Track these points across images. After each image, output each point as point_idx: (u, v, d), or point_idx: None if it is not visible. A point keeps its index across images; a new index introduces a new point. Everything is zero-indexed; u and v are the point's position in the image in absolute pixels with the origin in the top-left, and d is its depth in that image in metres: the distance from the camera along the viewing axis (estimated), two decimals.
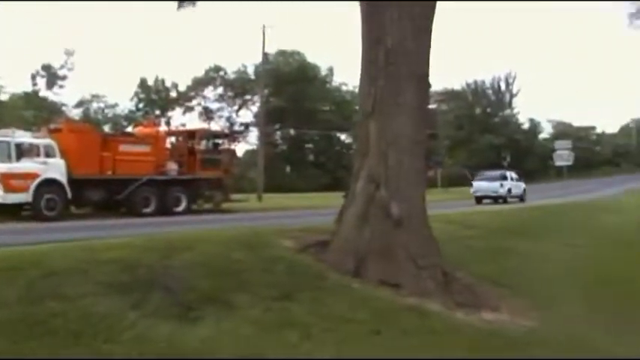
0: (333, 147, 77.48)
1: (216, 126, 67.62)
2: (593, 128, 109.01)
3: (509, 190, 37.19)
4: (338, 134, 76.86)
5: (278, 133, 76.95)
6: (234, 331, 6.25)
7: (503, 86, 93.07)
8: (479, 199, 36.75)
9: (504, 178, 37.92)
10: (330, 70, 79.21)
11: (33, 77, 60.62)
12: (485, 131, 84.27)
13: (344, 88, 78.43)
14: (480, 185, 37.86)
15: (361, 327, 6.90)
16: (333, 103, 77.18)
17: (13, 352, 5.07)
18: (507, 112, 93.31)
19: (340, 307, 7.39)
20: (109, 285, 6.62)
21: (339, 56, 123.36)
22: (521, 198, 37.46)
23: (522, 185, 38.69)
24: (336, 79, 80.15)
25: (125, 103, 75.85)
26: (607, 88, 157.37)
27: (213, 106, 76.73)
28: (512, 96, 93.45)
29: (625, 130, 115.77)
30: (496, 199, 36.31)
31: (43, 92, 60.76)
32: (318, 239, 10.03)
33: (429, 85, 10.03)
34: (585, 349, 7.16)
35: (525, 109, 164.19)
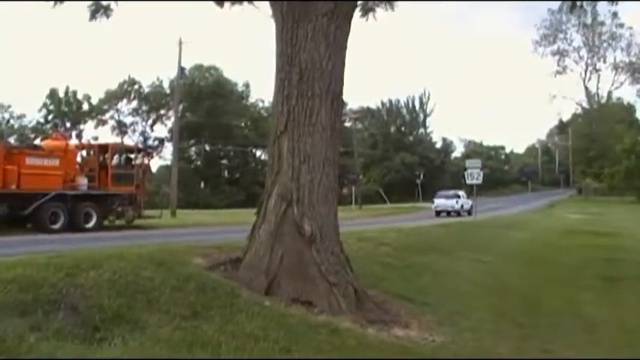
0: (249, 163, 77.37)
1: (129, 140, 66.30)
2: (503, 148, 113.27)
3: (462, 206, 44.63)
4: (254, 150, 76.77)
5: (193, 148, 76.16)
6: (143, 351, 6.09)
7: (417, 105, 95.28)
8: (438, 213, 44.28)
9: (458, 196, 46.36)
10: (247, 86, 79.32)
11: None
12: (399, 150, 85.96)
13: (260, 104, 78.55)
14: (440, 202, 46.17)
15: (272, 345, 6.86)
16: (249, 120, 77.13)
17: None
18: (421, 131, 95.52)
19: (251, 326, 7.33)
20: (6, 306, 6.32)
21: (256, 73, 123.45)
22: (469, 212, 42.47)
23: (470, 202, 43.86)
24: (253, 96, 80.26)
25: (33, 115, 73.26)
26: (515, 110, 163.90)
27: (127, 120, 75.38)
28: (425, 115, 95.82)
29: (531, 150, 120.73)
30: (450, 212, 43.94)
31: None
32: (231, 257, 9.96)
33: (342, 104, 10.15)
34: None
35: (439, 129, 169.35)
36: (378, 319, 8.64)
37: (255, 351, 6.60)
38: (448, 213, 43.92)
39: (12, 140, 49.20)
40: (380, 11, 12.70)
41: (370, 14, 12.53)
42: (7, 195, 20.83)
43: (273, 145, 9.47)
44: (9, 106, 68.37)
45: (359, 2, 11.52)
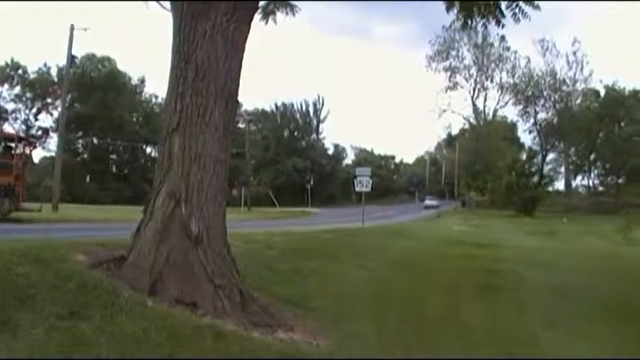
0: (139, 160, 75.75)
1: (10, 128, 63.18)
2: (393, 157, 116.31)
3: (438, 205, 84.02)
4: (144, 147, 75.14)
5: (80, 141, 73.63)
6: (13, 353, 5.78)
7: (311, 111, 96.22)
8: (427, 207, 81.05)
9: (435, 199, 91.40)
10: (142, 80, 77.52)
11: None
12: (291, 154, 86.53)
13: (154, 100, 76.97)
14: (428, 202, 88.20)
15: (154, 347, 6.69)
16: (141, 115, 75.47)
17: None
18: (314, 136, 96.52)
19: (133, 327, 7.10)
20: None
21: (152, 68, 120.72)
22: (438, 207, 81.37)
23: (439, 202, 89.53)
24: (147, 90, 78.52)
25: None
26: (407, 121, 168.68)
27: (9, 106, 71.83)
28: (319, 121, 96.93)
29: (420, 161, 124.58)
30: (433, 207, 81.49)
31: None
32: (114, 254, 9.67)
33: (237, 105, 10.07)
34: None
35: (331, 135, 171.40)
36: (262, 322, 8.62)
37: (136, 353, 6.42)
38: (432, 207, 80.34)
39: None
40: (280, 15, 12.73)
41: (270, 18, 12.53)
42: None
43: (163, 143, 9.26)
44: None
45: (260, 4, 11.48)
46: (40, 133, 71.85)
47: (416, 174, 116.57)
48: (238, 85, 9.75)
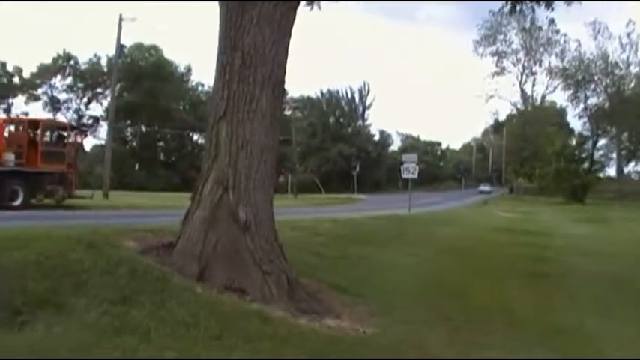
0: (186, 147, 76.53)
1: (63, 117, 64.53)
2: (439, 144, 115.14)
3: (491, 192, 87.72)
4: (191, 134, 75.92)
5: (129, 129, 74.75)
6: (68, 336, 5.91)
7: (356, 97, 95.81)
8: (481, 192, 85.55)
9: (490, 186, 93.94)
10: (188, 69, 78.18)
11: None
12: (337, 140, 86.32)
13: (200, 88, 77.57)
14: (483, 188, 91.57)
15: (203, 332, 6.77)
16: (188, 103, 76.16)
17: None
18: (360, 123, 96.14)
19: (182, 312, 7.21)
20: None
21: (198, 56, 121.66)
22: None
23: (494, 188, 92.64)
24: (194, 79, 79.15)
25: None
26: (453, 108, 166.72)
27: (61, 96, 73.28)
28: (365, 108, 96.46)
29: (467, 148, 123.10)
30: (488, 193, 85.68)
31: None
32: (164, 241, 9.81)
33: (283, 92, 10.07)
34: (418, 352, 7.45)
35: (377, 122, 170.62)
36: (310, 308, 8.64)
37: (186, 338, 6.51)
38: (486, 193, 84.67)
39: None
40: (324, 2, 12.66)
41: (315, 4, 12.47)
42: None
43: (211, 130, 9.33)
44: None
45: None
46: (91, 122, 73.21)
47: (462, 161, 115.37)
48: (285, 71, 9.75)
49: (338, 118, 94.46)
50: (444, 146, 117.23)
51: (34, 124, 25.97)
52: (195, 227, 9.06)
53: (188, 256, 8.88)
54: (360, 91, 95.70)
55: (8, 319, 5.94)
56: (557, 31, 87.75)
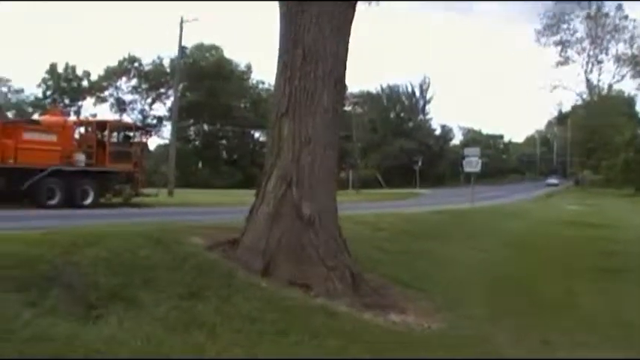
0: (247, 144, 77.29)
1: (128, 118, 66.07)
2: (501, 137, 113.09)
3: (558, 184, 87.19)
4: (252, 132, 76.65)
5: (192, 128, 75.99)
6: (139, 330, 6.05)
7: (417, 92, 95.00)
8: (549, 185, 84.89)
9: (557, 178, 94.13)
10: (248, 67, 78.93)
11: None
12: (398, 135, 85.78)
13: (261, 86, 78.23)
14: (550, 180, 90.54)
15: (269, 327, 6.84)
16: (249, 101, 76.87)
17: None
18: (420, 117, 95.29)
19: (248, 307, 7.31)
20: (2, 281, 6.28)
21: (258, 54, 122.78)
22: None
23: (560, 181, 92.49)
24: (254, 77, 79.87)
25: (32, 89, 73.02)
26: (515, 100, 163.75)
27: (127, 97, 75.07)
28: (425, 102, 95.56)
29: (530, 140, 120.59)
30: (556, 185, 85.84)
31: None
32: (229, 237, 9.92)
33: (344, 88, 10.07)
34: (485, 349, 7.34)
35: (438, 116, 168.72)
36: (374, 303, 8.62)
37: (252, 332, 6.58)
38: (554, 185, 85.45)
39: (10, 115, 49.01)
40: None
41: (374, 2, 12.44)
42: (4, 169, 20.74)
43: (273, 127, 9.40)
44: (8, 80, 68.16)
45: None
46: (155, 121, 74.74)
47: (526, 153, 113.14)
48: (345, 67, 9.75)
49: (398, 112, 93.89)
50: (506, 139, 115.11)
51: (102, 125, 26.64)
52: (259, 223, 9.15)
53: (253, 251, 8.98)
54: (421, 86, 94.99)
55: (83, 313, 6.13)
56: (626, 17, 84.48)
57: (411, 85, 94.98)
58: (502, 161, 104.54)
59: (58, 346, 5.31)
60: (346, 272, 8.97)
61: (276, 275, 8.67)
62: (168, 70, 71.11)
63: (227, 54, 76.06)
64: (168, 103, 71.31)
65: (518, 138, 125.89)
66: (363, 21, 11.27)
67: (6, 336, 5.26)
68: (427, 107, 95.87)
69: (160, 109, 76.22)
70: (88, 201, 23.05)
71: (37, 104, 66.42)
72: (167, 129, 68.28)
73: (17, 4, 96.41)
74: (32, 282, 6.41)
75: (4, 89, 68.08)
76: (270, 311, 7.32)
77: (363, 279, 9.35)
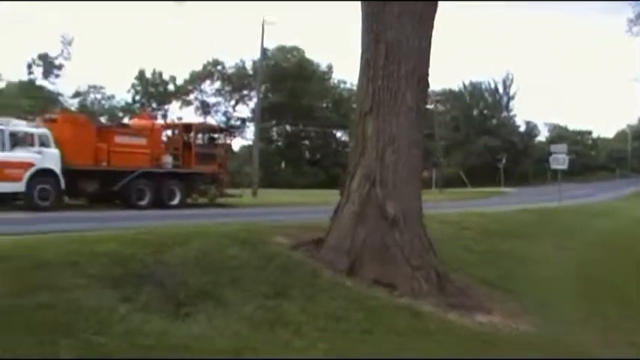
0: (330, 144, 77.47)
1: (212, 120, 67.42)
2: (590, 133, 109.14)
3: None
4: (335, 132, 76.85)
5: (275, 129, 76.83)
6: (226, 328, 6.18)
7: (500, 88, 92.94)
8: None
9: None
10: (330, 67, 79.14)
11: (29, 66, 60.50)
12: (481, 133, 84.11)
13: (342, 85, 78.36)
14: None
15: (354, 326, 6.85)
16: (331, 101, 77.10)
17: (1, 342, 4.99)
18: (504, 114, 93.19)
19: (333, 306, 7.35)
20: (100, 278, 6.55)
21: (339, 53, 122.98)
22: None
23: None
24: (335, 77, 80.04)
25: (122, 95, 75.69)
26: (604, 94, 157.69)
27: (211, 100, 76.57)
28: (509, 98, 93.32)
29: (621, 135, 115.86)
30: None
31: (40, 81, 60.60)
32: (313, 237, 9.98)
33: (427, 85, 9.95)
34: (576, 352, 7.13)
35: (522, 112, 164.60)
36: (460, 304, 8.49)
37: (337, 331, 6.61)
38: None
39: (103, 120, 50.99)
40: None
41: None
42: (98, 172, 21.54)
43: (357, 126, 9.40)
44: (101, 87, 70.85)
45: None
46: (238, 123, 75.96)
47: (616, 149, 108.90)
48: (428, 64, 9.65)
49: (482, 110, 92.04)
50: (595, 135, 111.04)
51: (188, 127, 27.27)
52: (344, 223, 9.17)
53: (337, 251, 9.01)
54: (504, 82, 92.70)
55: (173, 311, 6.30)
56: None
57: (494, 81, 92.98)
58: (590, 158, 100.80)
59: (150, 341, 5.48)
60: (431, 272, 8.87)
61: (360, 275, 8.66)
62: (250, 72, 72.09)
63: (308, 55, 76.58)
64: (251, 104, 72.27)
65: (608, 133, 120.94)
66: (444, 17, 11.08)
67: (104, 329, 5.48)
68: (511, 104, 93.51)
69: (243, 110, 77.35)
70: (175, 201, 23.63)
71: (127, 109, 68.65)
72: (250, 130, 69.35)
73: (107, 15, 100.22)
74: (126, 279, 6.65)
75: (98, 96, 70.88)
76: (355, 310, 7.33)
77: (449, 279, 9.23)
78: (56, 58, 60.75)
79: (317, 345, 6.17)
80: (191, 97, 76.38)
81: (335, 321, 6.90)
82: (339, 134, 77.49)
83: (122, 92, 77.81)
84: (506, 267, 11.75)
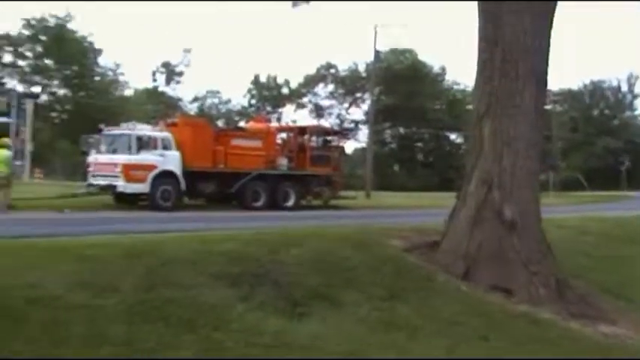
0: (443, 147, 76.53)
1: (326, 123, 68.15)
2: None
3: None
4: (448, 134, 75.84)
5: (388, 131, 76.71)
6: (341, 329, 6.23)
7: (624, 87, 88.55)
8: None
9: None
10: (443, 68, 78.18)
11: (153, 74, 63.75)
12: (602, 134, 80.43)
13: (456, 87, 77.21)
14: None
15: (470, 331, 6.74)
16: (444, 102, 76.12)
17: (126, 335, 5.23)
18: (628, 113, 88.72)
19: (448, 310, 7.26)
20: (218, 276, 6.74)
21: (452, 54, 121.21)
22: None
23: None
24: (448, 78, 78.95)
25: (238, 99, 77.98)
26: None
27: (324, 103, 77.41)
28: (633, 97, 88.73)
29: None
30: None
31: (162, 88, 63.76)
32: (428, 240, 9.89)
33: (546, 85, 9.64)
34: None
35: None
36: (581, 312, 8.19)
37: (452, 336, 6.51)
38: None
39: (220, 123, 52.68)
40: None
41: None
42: (215, 174, 22.20)
43: (474, 128, 9.24)
44: (217, 92, 73.44)
45: None
46: (352, 125, 76.35)
47: None
48: (547, 63, 9.36)
49: (602, 109, 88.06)
50: None
51: (302, 130, 27.62)
52: (460, 226, 9.03)
53: (453, 255, 8.88)
54: (628, 80, 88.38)
55: (289, 310, 6.40)
56: None
57: (617, 80, 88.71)
58: None
59: (267, 340, 5.60)
60: (550, 278, 8.59)
61: (476, 279, 8.51)
62: (363, 74, 72.36)
63: (421, 57, 75.98)
64: (364, 107, 72.51)
65: None
66: (563, 14, 10.67)
67: (222, 326, 5.65)
68: (635, 103, 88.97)
69: (357, 113, 77.72)
70: (290, 203, 23.98)
71: (243, 112, 70.70)
72: (363, 133, 69.51)
73: (221, 24, 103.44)
74: (243, 278, 6.82)
75: (215, 100, 73.50)
76: (471, 315, 7.21)
77: (569, 286, 8.90)
78: (177, 65, 63.75)
79: (433, 349, 6.11)
80: (305, 100, 77.55)
81: (450, 325, 6.83)
82: (452, 136, 76.44)
83: (238, 96, 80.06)
84: (629, 275, 11.20)
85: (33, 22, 55.40)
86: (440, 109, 75.72)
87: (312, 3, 12.61)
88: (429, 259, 9.02)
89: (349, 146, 71.99)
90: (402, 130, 76.03)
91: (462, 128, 61.88)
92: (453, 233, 9.14)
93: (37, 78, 55.98)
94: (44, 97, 55.34)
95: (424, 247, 9.54)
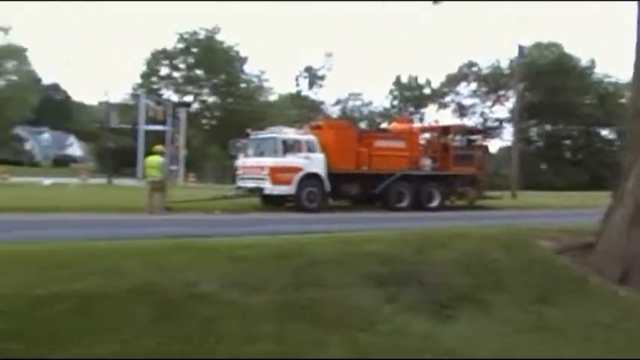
0: (594, 143, 72.78)
1: (469, 122, 66.98)
2: None
3: None
4: (599, 130, 72.10)
5: (533, 129, 74.13)
6: (489, 332, 6.12)
7: None
8: None
9: None
10: (592, 61, 74.45)
11: (296, 78, 65.52)
12: None
13: (606, 80, 73.22)
14: None
15: (623, 335, 6.42)
16: (595, 97, 72.41)
17: (276, 333, 5.40)
18: None
19: (601, 314, 6.94)
20: (365, 277, 6.81)
21: (601, 46, 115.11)
22: None
23: None
24: (598, 71, 75.02)
25: (380, 101, 78.33)
26: None
27: (467, 102, 76.09)
28: None
29: None
30: None
31: (305, 92, 65.39)
32: (580, 241, 9.49)
33: None
34: None
35: None
36: None
37: (606, 342, 6.24)
38: None
39: (362, 125, 53.14)
40: None
41: None
42: (359, 175, 22.38)
43: (631, 123, 8.75)
44: (359, 94, 74.22)
45: None
46: (495, 124, 74.50)
47: None
48: None
49: None
50: None
51: (445, 130, 27.23)
52: (616, 227, 8.57)
53: (609, 257, 8.44)
54: None
55: (435, 312, 6.36)
56: None
57: None
58: None
59: (414, 342, 5.60)
60: None
61: (635, 283, 8.05)
62: (506, 71, 70.41)
63: (567, 50, 72.77)
64: (508, 104, 70.46)
65: None
66: None
67: (369, 328, 5.71)
68: None
69: (500, 111, 75.72)
70: (434, 204, 23.74)
71: (385, 114, 70.95)
72: (508, 131, 67.54)
73: (362, 27, 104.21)
74: (390, 279, 6.85)
75: (357, 103, 74.32)
76: (628, 321, 6.86)
77: None
78: (319, 69, 65.14)
79: (587, 355, 5.88)
80: (447, 99, 76.61)
81: (605, 330, 6.51)
82: (604, 132, 72.53)
83: (380, 98, 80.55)
84: None
85: (186, 36, 59.33)
86: (590, 103, 72.12)
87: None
88: (581, 262, 8.64)
89: (494, 145, 70.40)
90: (548, 127, 73.18)
91: (615, 123, 58.63)
92: (608, 234, 8.68)
93: (189, 88, 59.62)
94: (195, 106, 58.84)
95: (576, 249, 9.15)
